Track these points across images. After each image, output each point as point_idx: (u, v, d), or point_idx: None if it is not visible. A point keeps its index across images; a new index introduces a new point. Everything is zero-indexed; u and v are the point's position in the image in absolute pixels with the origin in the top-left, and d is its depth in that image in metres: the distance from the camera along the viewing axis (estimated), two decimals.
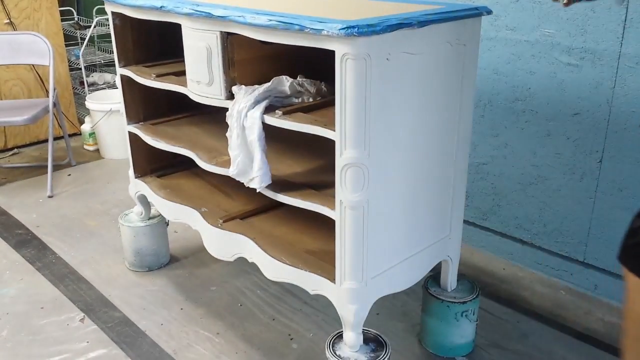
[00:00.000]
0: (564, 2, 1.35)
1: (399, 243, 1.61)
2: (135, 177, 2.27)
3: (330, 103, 1.46)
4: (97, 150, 3.80)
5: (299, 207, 1.60)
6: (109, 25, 2.13)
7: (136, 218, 2.38)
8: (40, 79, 3.79)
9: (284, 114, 1.54)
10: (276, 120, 1.53)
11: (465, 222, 2.41)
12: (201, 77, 1.69)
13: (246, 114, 1.55)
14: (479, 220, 2.46)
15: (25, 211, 3.01)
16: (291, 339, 2.04)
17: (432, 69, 1.50)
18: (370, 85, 1.34)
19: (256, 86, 1.60)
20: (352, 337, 1.57)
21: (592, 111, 2.01)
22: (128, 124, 2.19)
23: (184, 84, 1.81)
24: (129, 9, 1.95)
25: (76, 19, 4.48)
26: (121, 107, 2.18)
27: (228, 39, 1.61)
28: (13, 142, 3.81)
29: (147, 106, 2.21)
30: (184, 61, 1.76)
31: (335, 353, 1.59)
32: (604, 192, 2.05)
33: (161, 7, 1.76)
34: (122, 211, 2.48)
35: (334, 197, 1.46)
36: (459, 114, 1.63)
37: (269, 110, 1.56)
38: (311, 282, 1.61)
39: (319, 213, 1.54)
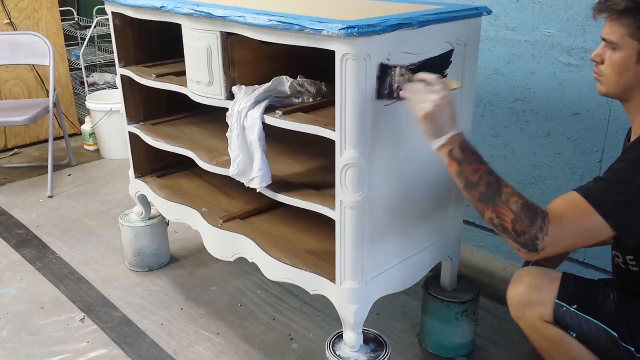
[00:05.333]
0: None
1: (399, 243, 1.61)
2: (136, 177, 2.27)
3: (330, 103, 1.46)
4: (97, 150, 3.80)
5: (299, 207, 1.60)
6: (109, 25, 2.13)
7: (136, 218, 2.38)
8: (40, 79, 3.79)
9: (284, 114, 1.54)
10: (276, 120, 1.54)
11: (465, 222, 2.41)
12: (201, 77, 1.69)
13: (246, 114, 1.55)
14: (479, 220, 2.46)
15: (26, 211, 3.01)
16: (291, 339, 2.04)
17: (432, 68, 1.50)
18: (370, 85, 1.34)
19: (256, 86, 1.60)
20: (352, 337, 1.57)
21: (592, 111, 2.01)
22: (128, 124, 2.19)
23: (184, 84, 1.81)
24: (129, 9, 1.95)
25: (76, 19, 4.48)
26: (121, 107, 2.18)
27: (228, 39, 1.61)
28: (13, 142, 3.81)
29: (147, 106, 2.21)
30: (184, 61, 1.76)
31: (335, 353, 1.59)
32: None
33: (161, 7, 1.76)
34: (122, 211, 2.48)
35: (334, 197, 1.46)
36: (458, 113, 1.63)
37: (269, 110, 1.56)
38: (311, 282, 1.61)
39: (319, 213, 1.54)
